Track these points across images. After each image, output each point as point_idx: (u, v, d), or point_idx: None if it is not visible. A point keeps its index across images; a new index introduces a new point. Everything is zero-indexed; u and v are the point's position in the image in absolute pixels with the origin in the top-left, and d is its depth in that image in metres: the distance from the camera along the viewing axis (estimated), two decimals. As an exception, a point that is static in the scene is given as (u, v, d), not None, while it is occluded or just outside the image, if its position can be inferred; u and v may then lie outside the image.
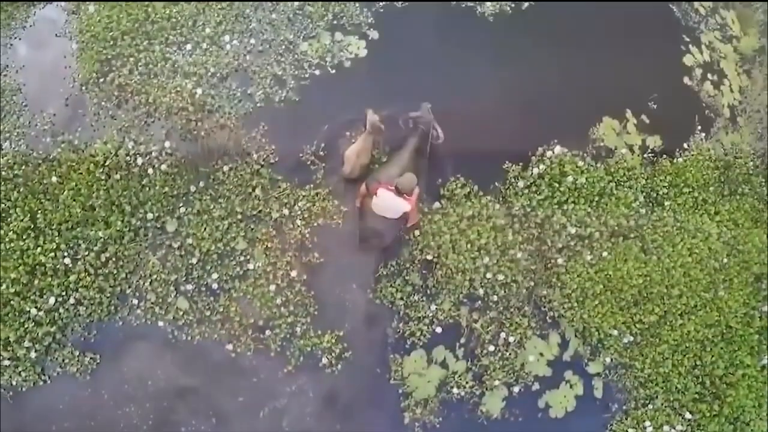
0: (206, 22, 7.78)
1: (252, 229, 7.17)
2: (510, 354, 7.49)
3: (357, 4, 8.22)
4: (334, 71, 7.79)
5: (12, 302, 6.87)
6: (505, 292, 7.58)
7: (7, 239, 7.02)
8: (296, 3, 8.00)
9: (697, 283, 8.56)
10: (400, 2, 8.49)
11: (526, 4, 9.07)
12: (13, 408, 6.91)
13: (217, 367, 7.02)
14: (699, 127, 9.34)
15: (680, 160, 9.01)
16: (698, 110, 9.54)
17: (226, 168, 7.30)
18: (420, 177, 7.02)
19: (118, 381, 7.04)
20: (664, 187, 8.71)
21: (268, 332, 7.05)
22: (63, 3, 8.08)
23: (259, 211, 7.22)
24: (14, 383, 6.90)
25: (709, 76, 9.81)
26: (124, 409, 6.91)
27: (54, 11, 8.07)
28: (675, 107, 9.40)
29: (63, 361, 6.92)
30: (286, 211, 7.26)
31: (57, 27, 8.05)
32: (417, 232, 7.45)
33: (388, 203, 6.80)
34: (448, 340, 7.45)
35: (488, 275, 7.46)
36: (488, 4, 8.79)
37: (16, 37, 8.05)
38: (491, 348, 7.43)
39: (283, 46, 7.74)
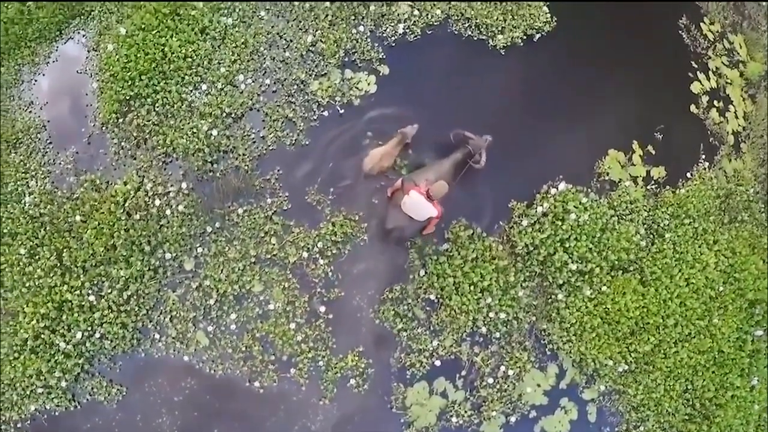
0: (221, 61, 7.51)
1: (267, 272, 7.04)
2: (508, 386, 7.43)
3: (369, 40, 7.81)
4: (342, 111, 7.48)
5: (42, 335, 6.93)
6: (507, 328, 7.48)
7: (35, 276, 7.04)
8: (309, 39, 7.60)
9: (693, 312, 8.42)
10: (412, 37, 8.02)
11: (538, 35, 8.54)
12: (48, 430, 7.00)
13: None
14: (703, 156, 8.96)
15: (683, 191, 8.71)
16: (703, 138, 9.20)
17: (240, 210, 7.19)
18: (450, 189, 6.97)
19: (143, 408, 7.07)
20: (665, 218, 8.45)
21: (293, 370, 7.06)
22: (83, 40, 7.75)
23: (274, 255, 7.08)
24: (47, 407, 6.98)
25: (715, 103, 9.42)
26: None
27: (75, 48, 7.87)
28: (680, 136, 9.07)
29: (92, 389, 7.00)
30: (305, 254, 7.10)
31: (78, 64, 7.86)
32: (422, 272, 7.26)
33: (416, 205, 6.76)
34: (448, 372, 7.41)
35: (491, 314, 7.36)
36: (500, 37, 8.31)
37: (40, 74, 7.84)
38: (490, 380, 7.37)
39: (295, 86, 7.49)
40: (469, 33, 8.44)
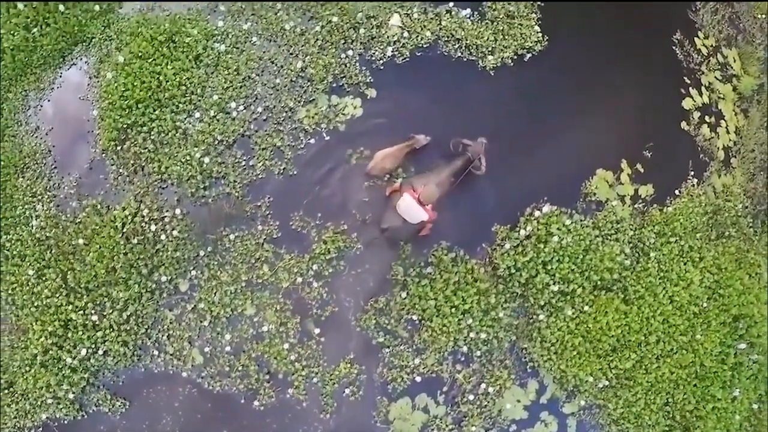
0: (214, 89, 7.53)
1: (258, 296, 7.14)
2: (488, 402, 7.49)
3: (357, 64, 7.70)
4: (328, 138, 7.42)
5: (50, 351, 7.18)
6: (487, 347, 7.49)
7: (43, 296, 7.26)
8: (299, 65, 7.52)
9: (675, 328, 8.34)
10: (401, 59, 7.87)
11: (529, 55, 8.31)
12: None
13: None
14: (692, 172, 8.74)
15: (670, 209, 8.52)
16: (693, 155, 8.97)
17: (232, 236, 7.28)
18: (442, 194, 7.12)
19: (145, 419, 7.31)
20: (651, 237, 8.29)
21: (291, 390, 7.25)
22: (85, 66, 7.79)
23: (267, 280, 7.16)
24: (58, 416, 7.26)
25: (706, 118, 9.16)
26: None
27: (78, 74, 7.95)
28: (670, 154, 8.86)
29: (97, 401, 7.25)
30: (299, 279, 7.17)
31: (81, 90, 7.94)
32: (404, 294, 7.28)
33: (409, 208, 6.84)
34: (430, 388, 7.49)
35: (471, 334, 7.36)
36: (490, 57, 8.11)
37: (45, 99, 7.94)
38: (471, 397, 7.43)
39: (283, 114, 7.47)
40: (459, 54, 8.26)
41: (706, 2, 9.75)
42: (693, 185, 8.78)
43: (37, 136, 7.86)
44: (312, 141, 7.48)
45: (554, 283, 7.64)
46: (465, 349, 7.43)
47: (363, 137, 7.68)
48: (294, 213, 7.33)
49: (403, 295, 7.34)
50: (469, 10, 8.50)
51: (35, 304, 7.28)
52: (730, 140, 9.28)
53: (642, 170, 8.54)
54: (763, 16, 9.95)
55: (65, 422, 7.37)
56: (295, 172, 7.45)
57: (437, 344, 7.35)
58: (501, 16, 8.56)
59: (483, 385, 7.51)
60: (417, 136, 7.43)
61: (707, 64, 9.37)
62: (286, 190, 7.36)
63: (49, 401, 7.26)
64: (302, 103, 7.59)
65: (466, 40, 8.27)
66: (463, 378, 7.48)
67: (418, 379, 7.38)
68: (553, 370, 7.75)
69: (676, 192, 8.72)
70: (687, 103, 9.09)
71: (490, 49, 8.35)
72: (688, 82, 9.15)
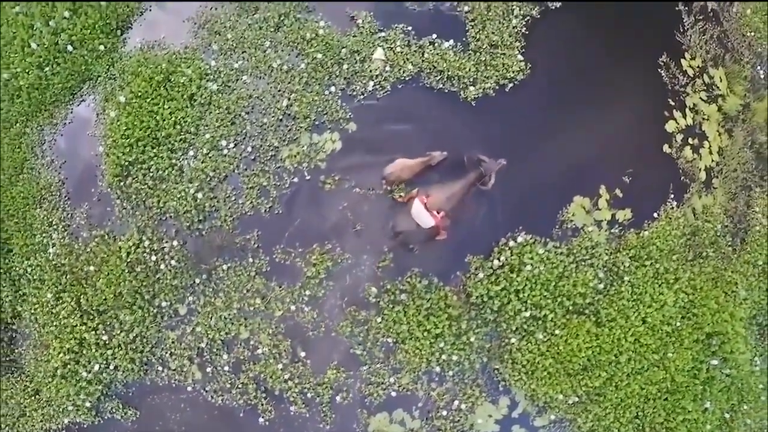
0: (207, 127, 7.82)
1: (251, 322, 7.53)
2: (461, 418, 7.78)
3: (339, 101, 7.84)
4: (309, 177, 7.64)
5: (68, 365, 7.81)
6: (459, 368, 7.74)
7: (60, 316, 7.87)
8: (285, 103, 7.71)
9: (647, 347, 8.42)
10: (382, 93, 7.96)
11: (511, 85, 8.26)
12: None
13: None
14: (672, 195, 8.64)
15: (647, 233, 8.50)
16: (674, 178, 8.89)
17: (225, 266, 7.68)
18: (456, 205, 7.53)
19: (153, 425, 7.91)
20: (626, 261, 8.29)
21: (293, 408, 7.73)
22: (93, 104, 8.16)
23: (258, 308, 7.54)
24: (77, 421, 7.92)
25: (689, 140, 8.99)
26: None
27: (87, 111, 8.34)
28: (651, 178, 8.80)
29: (111, 409, 7.87)
30: (292, 307, 7.53)
31: (89, 126, 8.32)
32: (379, 319, 7.55)
33: (417, 213, 7.34)
34: (406, 404, 7.85)
35: (443, 356, 7.62)
36: (471, 88, 8.11)
37: (59, 134, 8.34)
38: (444, 413, 7.71)
39: (269, 154, 7.72)
40: (441, 86, 8.25)
41: (695, 23, 9.39)
42: (672, 208, 8.68)
43: (51, 169, 8.32)
44: (295, 180, 7.70)
45: (526, 309, 7.81)
46: (438, 369, 7.71)
47: (342, 172, 7.86)
48: (277, 246, 7.60)
49: (378, 319, 7.62)
50: (452, 41, 8.44)
51: (54, 323, 7.87)
52: (712, 161, 9.11)
53: (620, 195, 8.50)
54: (752, 33, 9.55)
55: (85, 426, 8.04)
56: (280, 211, 7.69)
57: (411, 365, 7.65)
58: (484, 46, 8.48)
59: (456, 402, 7.82)
60: (433, 153, 7.70)
61: (693, 85, 9.14)
62: (274, 225, 7.64)
63: (70, 408, 7.91)
64: (286, 142, 7.82)
65: (448, 71, 8.26)
66: (437, 396, 7.78)
67: (394, 393, 7.70)
68: (524, 388, 7.97)
69: (655, 215, 8.63)
70: (670, 126, 8.93)
71: (471, 80, 8.33)
72: (673, 104, 8.97)
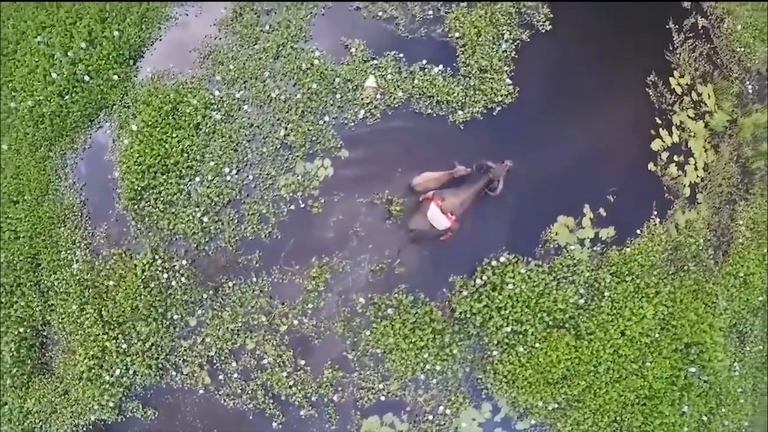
0: (211, 155, 8.38)
1: (256, 334, 8.24)
2: (446, 422, 8.41)
3: (332, 129, 8.36)
4: (303, 205, 8.24)
5: (93, 370, 8.63)
6: (443, 377, 8.34)
7: (84, 326, 8.68)
8: (282, 132, 8.28)
9: (625, 358, 8.84)
10: (372, 120, 8.45)
11: (498, 108, 8.65)
12: (105, 433, 8.95)
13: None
14: (655, 212, 8.97)
15: (629, 249, 8.87)
16: (658, 195, 9.23)
17: (230, 284, 8.34)
18: (466, 209, 8.26)
19: (170, 422, 8.76)
20: (607, 278, 8.69)
21: (303, 412, 8.44)
22: (109, 131, 8.82)
23: (265, 325, 8.25)
24: (103, 418, 8.80)
25: (675, 157, 9.27)
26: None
27: (103, 137, 8.96)
28: (635, 195, 9.16)
29: (132, 409, 8.71)
30: (295, 321, 8.20)
31: (106, 151, 8.96)
32: (368, 332, 8.18)
33: (434, 215, 8.04)
34: (395, 408, 8.52)
35: (428, 366, 8.22)
36: (460, 113, 8.54)
37: (79, 158, 9.04)
38: (430, 417, 8.36)
39: (268, 182, 8.28)
40: (430, 111, 8.66)
41: (685, 41, 9.56)
42: (655, 224, 9.01)
43: (73, 191, 9.05)
44: (292, 207, 8.29)
45: (507, 325, 8.34)
46: (423, 377, 8.33)
47: (335, 198, 8.42)
48: (274, 267, 8.25)
49: (368, 332, 8.25)
50: (441, 66, 8.82)
51: (79, 332, 8.70)
52: (697, 176, 9.38)
53: (604, 214, 8.84)
54: (742, 49, 9.67)
55: (109, 423, 8.91)
56: (279, 236, 8.32)
57: (399, 373, 8.29)
58: (474, 71, 8.83)
59: (441, 408, 8.46)
60: (458, 167, 8.29)
61: (680, 103, 9.37)
62: (274, 247, 8.30)
63: (95, 407, 8.79)
64: (283, 171, 8.39)
65: (437, 96, 8.66)
66: (424, 401, 8.43)
67: (383, 398, 8.37)
68: (505, 396, 8.56)
69: (638, 231, 8.98)
70: (656, 145, 9.20)
71: (460, 104, 8.71)
72: (660, 122, 9.24)
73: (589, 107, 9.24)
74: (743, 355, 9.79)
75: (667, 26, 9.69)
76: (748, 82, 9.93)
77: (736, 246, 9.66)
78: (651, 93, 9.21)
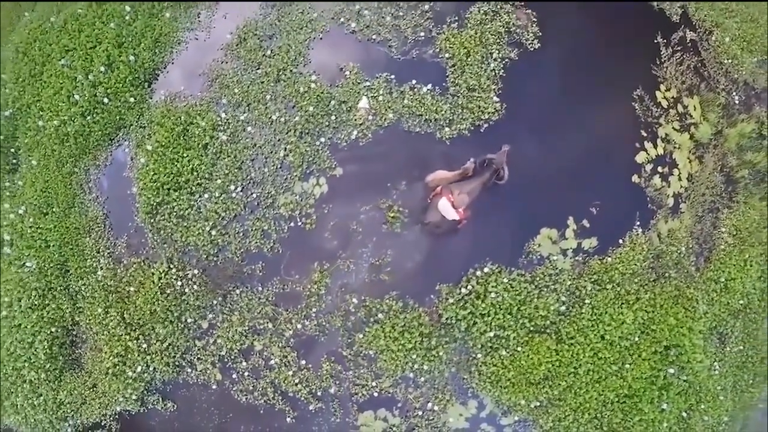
0: (218, 173, 9.18)
1: (263, 338, 9.11)
2: (434, 417, 9.20)
3: (327, 150, 9.06)
4: (300, 223, 9.02)
5: (117, 366, 9.65)
6: (430, 376, 9.10)
7: (109, 327, 9.66)
8: (281, 153, 9.02)
9: (605, 360, 9.40)
10: (364, 140, 9.11)
11: (486, 125, 9.22)
12: (128, 424, 9.95)
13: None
14: (638, 223, 9.44)
15: (610, 259, 9.36)
16: (641, 206, 9.67)
17: (237, 291, 9.21)
18: (475, 199, 8.98)
19: (187, 415, 9.76)
20: (588, 285, 9.22)
21: (311, 406, 9.28)
22: (127, 149, 9.70)
23: (271, 329, 9.12)
24: (127, 409, 9.85)
25: (659, 169, 9.68)
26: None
27: (122, 155, 9.84)
28: (618, 208, 9.59)
29: (153, 401, 9.73)
30: (299, 326, 9.06)
31: (125, 168, 9.83)
32: (361, 335, 8.97)
33: (445, 208, 8.83)
34: (388, 404, 9.32)
35: (416, 366, 8.98)
36: (447, 129, 9.15)
37: (101, 174, 9.97)
38: (420, 412, 9.15)
39: (269, 201, 9.06)
40: (419, 129, 9.27)
41: (672, 55, 9.88)
42: (637, 234, 9.49)
43: (97, 204, 9.98)
44: (292, 224, 9.07)
45: (490, 330, 9.02)
46: (412, 375, 9.11)
47: (330, 213, 9.19)
48: (275, 278, 9.08)
49: (361, 335, 9.05)
50: (430, 85, 9.39)
51: (104, 332, 9.71)
52: (681, 187, 9.80)
53: (588, 225, 9.37)
54: (729, 61, 9.95)
55: (133, 413, 9.95)
56: (280, 251, 9.13)
57: (389, 371, 9.09)
58: (462, 90, 9.37)
59: (429, 404, 9.23)
60: (466, 166, 8.91)
61: (666, 116, 9.75)
62: (276, 259, 9.12)
63: (120, 399, 9.84)
64: (282, 190, 9.14)
65: (426, 115, 9.25)
66: (413, 398, 9.22)
67: (376, 394, 9.19)
68: (489, 395, 9.28)
69: (620, 241, 9.48)
70: (640, 157, 9.63)
71: (447, 121, 9.29)
72: (645, 135, 9.63)
73: (574, 123, 9.68)
74: (723, 355, 10.28)
75: (655, 41, 10.00)
76: (734, 93, 10.22)
77: (718, 252, 10.08)
78: (637, 107, 9.61)
